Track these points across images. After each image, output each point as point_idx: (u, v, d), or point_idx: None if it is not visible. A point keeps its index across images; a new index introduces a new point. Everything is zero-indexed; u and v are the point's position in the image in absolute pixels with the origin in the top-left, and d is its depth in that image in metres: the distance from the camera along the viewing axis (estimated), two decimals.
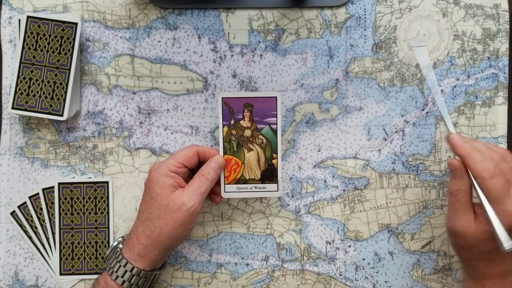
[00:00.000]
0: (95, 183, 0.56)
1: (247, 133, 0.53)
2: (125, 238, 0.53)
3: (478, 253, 0.47)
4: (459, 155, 0.47)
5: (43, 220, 0.56)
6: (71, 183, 0.56)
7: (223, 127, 0.53)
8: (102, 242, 0.56)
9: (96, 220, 0.56)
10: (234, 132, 0.53)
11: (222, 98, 0.53)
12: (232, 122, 0.53)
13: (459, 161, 0.47)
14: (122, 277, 0.49)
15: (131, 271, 0.49)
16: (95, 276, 0.56)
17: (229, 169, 0.54)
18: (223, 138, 0.53)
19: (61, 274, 0.56)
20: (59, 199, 0.56)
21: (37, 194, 0.56)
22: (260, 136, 0.53)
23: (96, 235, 0.56)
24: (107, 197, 0.56)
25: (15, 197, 0.57)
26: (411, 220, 0.57)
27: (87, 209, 0.56)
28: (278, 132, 0.53)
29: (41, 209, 0.56)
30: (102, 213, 0.56)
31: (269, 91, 0.56)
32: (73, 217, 0.56)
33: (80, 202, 0.56)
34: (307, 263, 0.57)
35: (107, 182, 0.56)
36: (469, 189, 0.47)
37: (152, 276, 0.50)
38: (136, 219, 0.51)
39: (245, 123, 0.53)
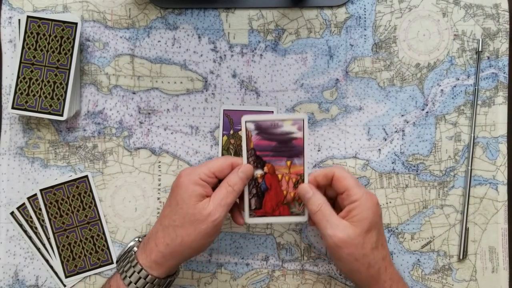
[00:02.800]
0: (75, 180, 0.56)
1: None
2: (140, 240, 0.51)
3: (365, 255, 0.47)
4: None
5: (43, 221, 0.56)
6: (52, 187, 0.56)
7: (222, 136, 0.56)
8: (98, 235, 0.56)
9: (86, 216, 0.56)
10: (232, 141, 0.56)
11: (224, 110, 0.56)
12: (231, 132, 0.56)
13: (308, 184, 0.49)
14: (135, 283, 0.47)
15: (145, 278, 0.47)
16: (100, 270, 0.56)
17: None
18: (222, 146, 0.56)
19: (66, 277, 0.56)
20: (45, 204, 0.56)
21: (35, 195, 0.56)
22: None
23: (90, 229, 0.56)
24: (91, 191, 0.56)
25: (15, 197, 0.57)
26: (411, 220, 0.57)
27: (74, 207, 0.56)
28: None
29: (40, 209, 0.56)
30: (90, 207, 0.56)
31: (266, 106, 0.57)
32: (63, 219, 0.56)
33: (66, 202, 0.56)
34: (307, 263, 0.57)
35: (86, 176, 0.56)
36: (327, 201, 0.49)
37: (166, 283, 0.49)
38: (156, 223, 0.48)
39: None
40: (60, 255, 0.56)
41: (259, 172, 0.50)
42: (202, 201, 0.47)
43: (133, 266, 0.47)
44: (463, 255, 0.56)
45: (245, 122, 0.49)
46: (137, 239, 0.52)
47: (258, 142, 0.50)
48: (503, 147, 0.57)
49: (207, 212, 0.46)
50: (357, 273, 0.47)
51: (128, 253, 0.49)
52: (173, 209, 0.47)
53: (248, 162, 0.49)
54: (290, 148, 0.50)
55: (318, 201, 0.48)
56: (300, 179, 0.50)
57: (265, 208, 0.50)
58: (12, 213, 0.56)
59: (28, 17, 0.54)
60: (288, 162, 0.50)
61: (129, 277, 0.47)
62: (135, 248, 0.49)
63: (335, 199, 0.51)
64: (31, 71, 0.54)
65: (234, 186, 0.48)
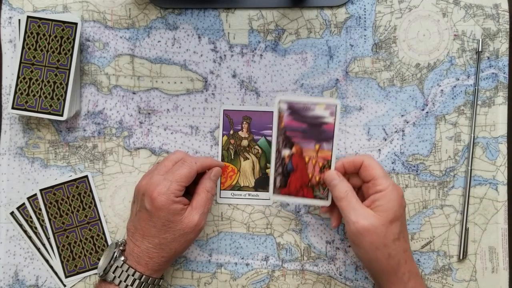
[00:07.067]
0: (75, 180, 0.56)
1: (244, 143, 0.56)
2: (121, 247, 0.52)
3: (387, 245, 0.47)
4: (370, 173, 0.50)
5: (43, 221, 0.56)
6: (52, 187, 0.56)
7: (222, 136, 0.56)
8: (98, 235, 0.56)
9: (86, 216, 0.56)
10: (232, 141, 0.56)
11: (224, 110, 0.56)
12: (231, 132, 0.56)
13: (335, 171, 0.50)
14: (131, 285, 0.49)
15: (147, 281, 0.50)
16: None
17: (225, 175, 0.56)
18: (222, 146, 0.56)
19: (66, 277, 0.56)
20: (45, 204, 0.56)
21: (35, 195, 0.56)
22: (256, 147, 0.56)
23: (90, 230, 0.56)
24: (91, 191, 0.56)
25: (15, 197, 0.57)
26: (411, 220, 0.57)
27: (74, 207, 0.56)
28: (273, 143, 0.52)
29: (40, 209, 0.56)
30: (89, 207, 0.56)
31: (266, 106, 0.57)
32: (63, 219, 0.56)
33: (66, 202, 0.56)
34: (307, 263, 0.57)
35: (86, 176, 0.56)
36: (352, 188, 0.49)
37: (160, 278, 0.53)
38: (142, 239, 0.50)
39: (243, 133, 0.56)
40: (60, 255, 0.56)
41: (286, 152, 0.51)
42: (185, 213, 0.50)
43: (132, 275, 0.49)
44: (463, 255, 0.56)
45: (279, 101, 0.50)
46: (116, 249, 0.52)
47: (289, 122, 0.50)
48: (503, 147, 0.57)
49: (194, 224, 0.50)
50: (376, 263, 0.47)
51: (113, 261, 0.50)
52: (161, 229, 0.49)
53: (277, 141, 0.50)
54: (320, 132, 0.50)
55: (344, 188, 0.49)
56: (327, 165, 0.50)
57: (289, 188, 0.51)
58: (12, 213, 0.56)
59: (28, 17, 0.54)
60: (317, 146, 0.50)
61: (131, 286, 0.49)
62: (122, 258, 0.50)
63: (359, 188, 0.52)
64: (31, 71, 0.54)
65: (211, 191, 0.52)
